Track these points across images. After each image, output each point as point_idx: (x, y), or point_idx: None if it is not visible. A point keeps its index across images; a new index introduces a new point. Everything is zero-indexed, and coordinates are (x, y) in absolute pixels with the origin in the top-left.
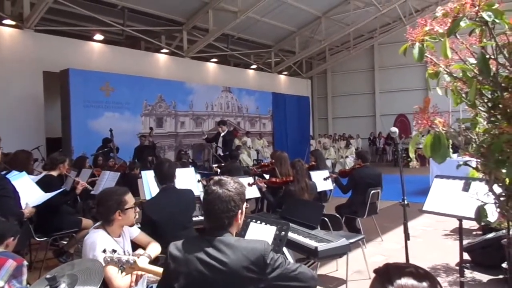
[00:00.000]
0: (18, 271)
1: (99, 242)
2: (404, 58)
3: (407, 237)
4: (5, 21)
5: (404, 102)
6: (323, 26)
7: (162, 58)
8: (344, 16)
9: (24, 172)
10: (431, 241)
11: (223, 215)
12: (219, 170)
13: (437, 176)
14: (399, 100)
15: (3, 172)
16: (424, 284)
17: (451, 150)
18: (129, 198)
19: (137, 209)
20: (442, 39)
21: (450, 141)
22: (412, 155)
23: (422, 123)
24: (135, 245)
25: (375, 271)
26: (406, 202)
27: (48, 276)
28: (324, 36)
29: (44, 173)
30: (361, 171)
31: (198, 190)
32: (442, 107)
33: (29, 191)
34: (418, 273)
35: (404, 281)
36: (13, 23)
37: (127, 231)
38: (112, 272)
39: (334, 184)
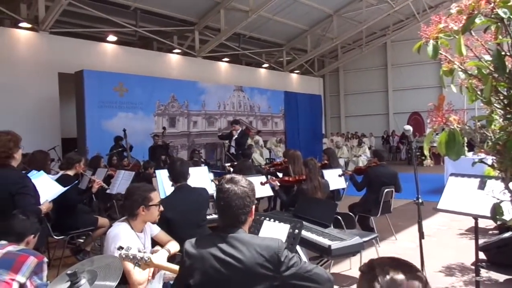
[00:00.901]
0: (39, 268)
1: (122, 234)
2: (417, 55)
3: (421, 236)
4: (21, 24)
5: (418, 100)
6: (335, 24)
7: (174, 58)
8: (356, 13)
9: (42, 171)
10: (446, 240)
11: (240, 211)
12: (231, 169)
13: (452, 174)
14: (413, 98)
15: (23, 172)
16: (416, 282)
17: (466, 148)
18: (155, 196)
19: (161, 208)
20: (456, 36)
21: (465, 138)
22: (426, 153)
23: (437, 120)
24: (154, 243)
25: (360, 269)
26: (420, 200)
27: (69, 271)
28: (336, 34)
29: (61, 172)
30: (376, 169)
31: (211, 189)
32: (456, 105)
33: (48, 189)
34: (404, 267)
35: (390, 276)
36: (29, 26)
37: (149, 228)
38: (131, 266)
39: (347, 183)
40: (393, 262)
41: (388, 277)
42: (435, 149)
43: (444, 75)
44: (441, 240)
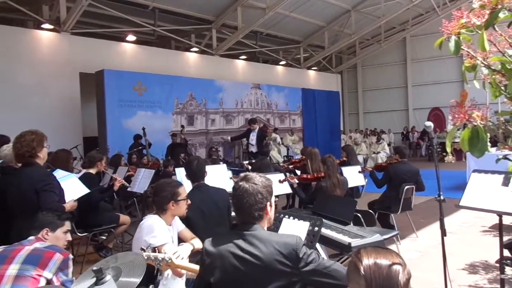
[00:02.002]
0: (65, 264)
1: (156, 225)
2: (438, 49)
3: (443, 233)
4: (43, 25)
5: (438, 95)
6: (353, 19)
7: (192, 56)
8: (374, 8)
9: (72, 174)
10: (468, 238)
11: (252, 208)
12: (249, 167)
13: (474, 171)
14: (433, 93)
15: (48, 170)
16: (388, 262)
17: (489, 144)
18: (182, 191)
19: (188, 202)
20: (479, 32)
21: (488, 134)
22: (449, 150)
23: (459, 117)
24: (178, 240)
25: (350, 255)
26: (442, 197)
27: (94, 268)
28: (354, 29)
29: (83, 171)
30: (397, 166)
31: (230, 187)
32: (478, 100)
33: (75, 189)
34: (387, 254)
35: (373, 260)
36: (51, 27)
37: (175, 224)
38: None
39: (366, 180)
40: (377, 250)
41: (371, 260)
42: (457, 145)
43: (466, 70)
44: (464, 237)
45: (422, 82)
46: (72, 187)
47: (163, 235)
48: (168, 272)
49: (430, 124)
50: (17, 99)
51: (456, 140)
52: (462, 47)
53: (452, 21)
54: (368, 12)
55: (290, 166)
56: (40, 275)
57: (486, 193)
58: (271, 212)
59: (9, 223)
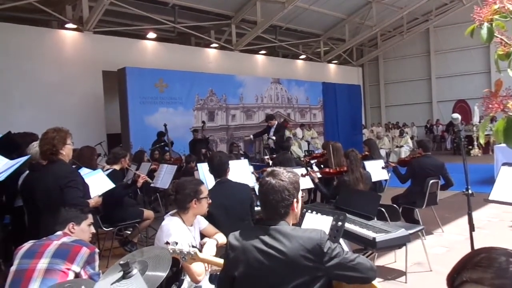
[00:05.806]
0: (91, 258)
1: (175, 230)
2: (463, 40)
3: (472, 228)
4: (67, 25)
5: (464, 87)
6: (374, 11)
7: (212, 52)
8: None
9: (99, 170)
10: (497, 233)
11: (278, 205)
12: (271, 162)
13: (504, 164)
14: (458, 85)
15: (73, 167)
16: None
17: None
18: (204, 188)
19: (209, 200)
20: None
21: None
22: (482, 141)
23: (494, 107)
24: (202, 236)
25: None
26: (470, 191)
27: (121, 262)
28: (375, 21)
29: (107, 167)
30: (421, 160)
31: (252, 182)
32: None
33: (101, 185)
34: None
35: None
36: (74, 26)
37: (197, 222)
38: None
39: (389, 174)
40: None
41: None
42: (486, 138)
43: (499, 59)
44: (492, 232)
45: (446, 74)
46: (98, 183)
47: (180, 238)
48: (188, 280)
49: (457, 116)
50: (43, 97)
51: (487, 133)
52: (495, 34)
53: (484, 7)
54: (390, 3)
55: (312, 161)
56: (69, 269)
57: None
58: (297, 208)
59: (39, 218)
